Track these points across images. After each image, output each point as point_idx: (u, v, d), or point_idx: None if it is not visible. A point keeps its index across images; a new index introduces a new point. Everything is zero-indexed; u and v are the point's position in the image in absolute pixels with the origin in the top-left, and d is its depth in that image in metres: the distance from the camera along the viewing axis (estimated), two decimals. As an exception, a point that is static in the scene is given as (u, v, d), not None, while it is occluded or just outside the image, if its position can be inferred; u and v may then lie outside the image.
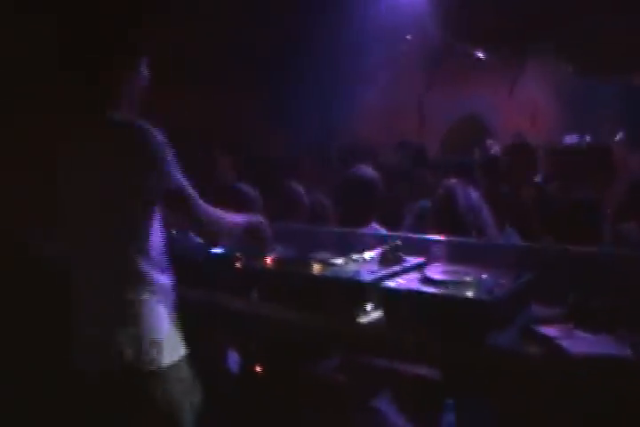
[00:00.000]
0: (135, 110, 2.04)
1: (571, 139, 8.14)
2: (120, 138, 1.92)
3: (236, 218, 2.35)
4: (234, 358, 3.03)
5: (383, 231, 3.46)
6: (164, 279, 2.02)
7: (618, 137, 8.17)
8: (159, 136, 1.92)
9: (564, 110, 9.81)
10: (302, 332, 2.40)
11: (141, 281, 1.95)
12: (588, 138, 8.56)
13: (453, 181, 3.54)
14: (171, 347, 1.96)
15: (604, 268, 2.29)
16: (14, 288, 2.65)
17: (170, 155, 1.95)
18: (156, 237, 2.02)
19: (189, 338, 2.09)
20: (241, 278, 2.58)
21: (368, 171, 3.76)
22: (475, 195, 3.32)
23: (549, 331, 1.95)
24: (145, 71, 2.08)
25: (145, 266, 1.96)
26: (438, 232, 2.98)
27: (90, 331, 1.99)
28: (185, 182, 2.01)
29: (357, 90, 7.57)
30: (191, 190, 2.03)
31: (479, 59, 6.72)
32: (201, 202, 2.08)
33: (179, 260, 2.79)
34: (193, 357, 2.08)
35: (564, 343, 1.84)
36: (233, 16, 6.14)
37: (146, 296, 1.95)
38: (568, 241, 2.63)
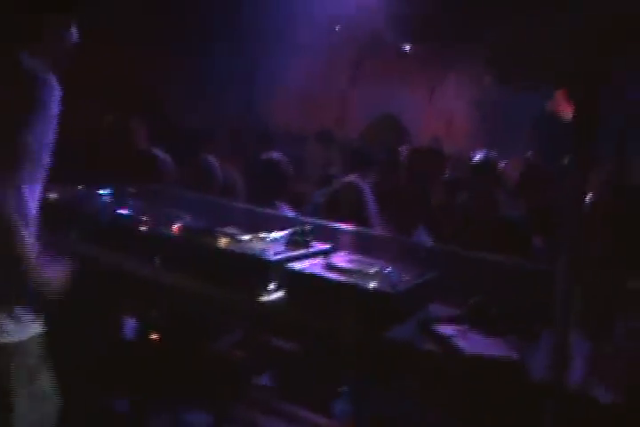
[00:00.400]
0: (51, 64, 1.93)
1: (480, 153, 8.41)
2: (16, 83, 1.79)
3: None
4: (132, 325, 2.94)
5: (293, 214, 3.47)
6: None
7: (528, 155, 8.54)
8: (55, 98, 1.80)
9: (480, 122, 10.14)
10: (203, 304, 2.36)
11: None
12: (493, 154, 8.85)
13: (354, 176, 3.64)
14: (23, 322, 1.85)
15: (506, 276, 2.36)
16: None
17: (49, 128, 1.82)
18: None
19: (85, 299, 2.01)
20: (145, 243, 2.50)
21: (280, 157, 3.86)
22: (369, 191, 3.43)
23: (446, 330, 1.99)
24: (74, 30, 2.01)
25: None
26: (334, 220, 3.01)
27: None
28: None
29: (282, 72, 7.52)
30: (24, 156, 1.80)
31: (405, 53, 6.81)
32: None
33: (83, 218, 2.70)
34: (88, 320, 2.00)
35: (460, 343, 1.88)
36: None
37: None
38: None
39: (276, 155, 3.92)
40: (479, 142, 9.60)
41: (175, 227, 2.51)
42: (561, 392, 1.49)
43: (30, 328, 1.87)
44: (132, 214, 2.68)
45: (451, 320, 2.10)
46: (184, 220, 2.66)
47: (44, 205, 2.73)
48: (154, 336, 2.80)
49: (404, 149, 8.11)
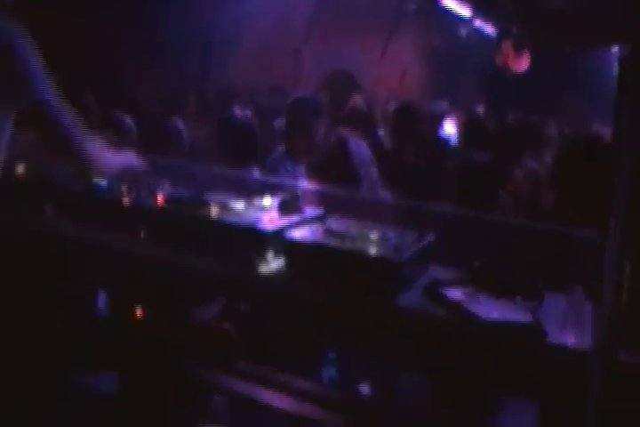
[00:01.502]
0: None
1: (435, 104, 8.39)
2: None
3: (113, 158, 2.18)
4: (104, 300, 2.84)
5: (268, 177, 3.36)
6: None
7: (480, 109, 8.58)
8: (24, 39, 1.73)
9: (431, 76, 10.09)
10: (189, 276, 2.27)
11: None
12: (445, 105, 8.85)
13: (345, 131, 3.50)
14: None
15: (502, 235, 2.34)
16: None
17: (35, 61, 1.74)
18: None
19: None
20: (128, 216, 2.38)
21: (244, 114, 3.66)
22: (365, 148, 3.30)
23: (454, 294, 1.95)
24: None
25: None
26: (329, 183, 2.93)
27: None
28: (54, 98, 1.79)
29: (235, 33, 7.31)
30: (60, 110, 1.81)
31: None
32: (75, 130, 1.87)
33: (60, 190, 2.55)
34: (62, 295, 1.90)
35: (472, 307, 1.85)
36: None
37: None
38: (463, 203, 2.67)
39: (238, 112, 3.75)
40: (432, 96, 9.59)
41: (159, 197, 2.39)
42: (612, 364, 1.46)
43: None
44: (110, 185, 2.54)
45: (455, 284, 2.06)
46: (165, 188, 2.54)
47: (14, 180, 2.60)
48: (137, 311, 2.71)
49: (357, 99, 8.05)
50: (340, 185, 2.91)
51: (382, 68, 9.60)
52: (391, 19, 9.21)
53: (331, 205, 2.63)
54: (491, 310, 1.86)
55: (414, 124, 4.71)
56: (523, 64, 9.30)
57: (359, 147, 3.25)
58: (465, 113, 7.67)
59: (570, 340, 1.71)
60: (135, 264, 2.37)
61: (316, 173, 3.22)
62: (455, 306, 1.89)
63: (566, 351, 1.69)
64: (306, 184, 2.86)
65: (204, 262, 2.17)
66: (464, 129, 5.44)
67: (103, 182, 2.56)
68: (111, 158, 2.19)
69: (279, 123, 4.42)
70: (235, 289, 2.21)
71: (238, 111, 3.77)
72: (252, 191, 2.60)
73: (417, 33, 9.45)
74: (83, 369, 2.85)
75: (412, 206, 2.66)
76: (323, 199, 2.69)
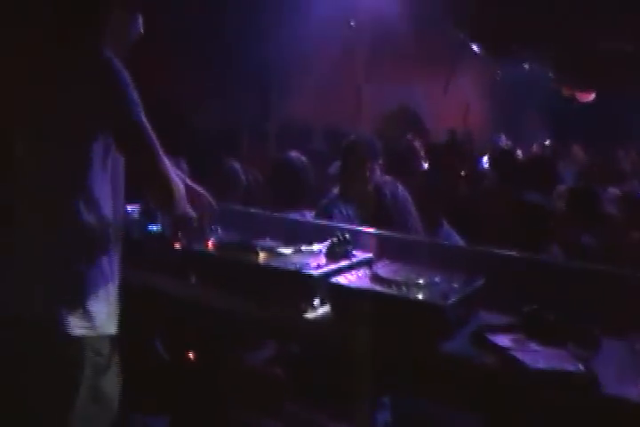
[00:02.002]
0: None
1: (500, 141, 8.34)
2: (83, 65, 1.75)
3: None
4: (163, 343, 2.88)
5: (322, 221, 3.38)
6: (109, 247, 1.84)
7: (547, 143, 8.46)
8: (123, 70, 1.77)
9: (494, 111, 10.03)
10: (241, 321, 2.29)
11: (82, 243, 1.77)
12: (508, 142, 8.78)
13: (386, 178, 3.50)
14: (99, 317, 1.78)
15: (555, 279, 2.27)
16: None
17: (132, 89, 1.78)
18: (106, 191, 1.82)
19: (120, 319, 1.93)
20: (180, 261, 2.43)
21: (298, 158, 3.69)
22: (402, 190, 3.29)
23: (502, 340, 1.90)
24: (139, 23, 1.96)
25: (88, 224, 1.77)
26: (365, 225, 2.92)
27: (20, 278, 1.79)
28: (145, 121, 1.80)
29: (296, 70, 7.44)
30: (151, 132, 1.81)
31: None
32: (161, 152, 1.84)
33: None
34: (121, 339, 1.92)
35: (520, 355, 1.79)
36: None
37: (85, 261, 1.77)
38: (513, 243, 2.62)
39: (293, 154, 3.77)
40: (496, 131, 9.51)
41: (209, 242, 2.43)
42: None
43: (104, 325, 1.81)
44: (164, 231, 2.60)
45: (505, 330, 2.01)
46: (216, 233, 2.59)
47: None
48: (189, 355, 2.74)
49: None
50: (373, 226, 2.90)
51: (444, 104, 9.60)
52: (452, 54, 9.22)
53: (383, 248, 2.63)
54: (539, 358, 1.80)
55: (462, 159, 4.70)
56: (590, 93, 9.12)
57: (395, 191, 3.26)
58: (491, 145, 7.58)
59: (628, 391, 1.63)
60: (186, 309, 2.41)
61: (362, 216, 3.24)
62: (502, 353, 1.84)
63: (623, 404, 1.61)
64: (357, 227, 2.85)
65: (251, 307, 2.19)
66: (493, 162, 5.38)
67: (156, 226, 2.62)
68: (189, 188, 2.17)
69: (334, 167, 4.45)
70: (280, 333, 2.22)
71: (293, 154, 3.79)
72: (303, 235, 2.62)
73: (478, 68, 9.43)
74: (137, 411, 2.89)
75: (463, 248, 2.62)
76: (374, 243, 2.68)
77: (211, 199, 2.33)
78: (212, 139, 5.37)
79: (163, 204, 1.98)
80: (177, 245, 2.46)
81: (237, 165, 4.18)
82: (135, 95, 1.78)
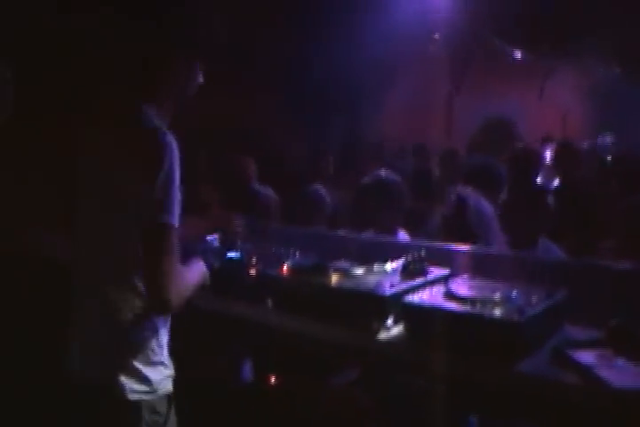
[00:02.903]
0: (170, 114, 1.89)
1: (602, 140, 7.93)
2: (138, 143, 1.74)
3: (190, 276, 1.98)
4: (248, 368, 2.91)
5: (406, 239, 3.32)
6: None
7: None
8: (176, 153, 1.72)
9: (593, 114, 9.59)
10: (318, 344, 2.27)
11: (139, 306, 1.78)
12: (610, 139, 8.34)
13: (468, 189, 3.38)
14: (155, 380, 1.81)
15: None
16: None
17: (176, 181, 1.72)
18: None
19: (203, 347, 1.97)
20: (256, 286, 2.45)
21: (390, 175, 3.60)
22: (487, 206, 3.14)
23: (586, 357, 1.79)
24: (197, 76, 1.93)
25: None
26: (447, 241, 2.83)
27: (81, 348, 1.87)
28: (175, 221, 1.71)
29: (384, 90, 7.42)
30: (175, 238, 1.72)
31: (512, 58, 6.53)
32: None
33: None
34: (207, 365, 1.95)
35: (604, 373, 1.68)
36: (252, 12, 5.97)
37: (142, 324, 1.80)
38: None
39: (383, 172, 3.64)
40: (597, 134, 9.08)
41: (284, 267, 2.44)
42: None
43: (161, 386, 1.83)
44: (243, 258, 2.63)
45: (590, 345, 1.89)
46: (292, 257, 2.59)
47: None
48: (271, 379, 2.74)
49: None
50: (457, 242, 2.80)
51: (541, 111, 9.30)
52: (545, 60, 8.93)
53: (462, 263, 2.56)
54: (626, 376, 1.68)
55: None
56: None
57: (479, 204, 3.13)
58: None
59: None
60: (265, 333, 2.42)
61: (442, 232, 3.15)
62: (585, 371, 1.72)
63: None
64: (435, 243, 2.78)
65: (325, 329, 2.17)
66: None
67: (234, 253, 2.66)
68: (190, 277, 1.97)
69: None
70: (355, 355, 2.18)
71: (383, 173, 3.70)
72: (381, 254, 2.58)
73: (573, 71, 9.08)
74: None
75: (547, 260, 2.50)
76: (454, 258, 2.61)
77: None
78: (300, 166, 5.42)
79: (159, 308, 1.81)
80: (252, 271, 2.48)
81: (322, 189, 4.19)
82: (175, 184, 1.71)
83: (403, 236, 3.39)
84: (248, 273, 2.50)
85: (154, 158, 1.69)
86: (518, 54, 6.35)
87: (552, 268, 2.40)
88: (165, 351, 1.87)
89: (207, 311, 2.50)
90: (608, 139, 7.98)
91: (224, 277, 2.59)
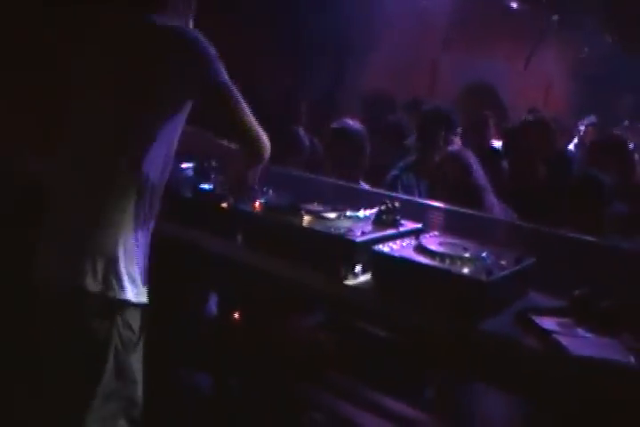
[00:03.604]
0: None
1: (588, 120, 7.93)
2: (156, 36, 1.84)
3: None
4: (214, 302, 2.89)
5: (375, 189, 3.29)
6: (148, 214, 1.86)
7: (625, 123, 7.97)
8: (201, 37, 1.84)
9: (578, 91, 9.56)
10: (285, 283, 2.25)
11: (124, 205, 1.79)
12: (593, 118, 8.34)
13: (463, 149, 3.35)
14: (134, 289, 1.79)
15: (617, 263, 2.13)
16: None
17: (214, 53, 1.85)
18: (160, 155, 1.86)
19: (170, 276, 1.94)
20: (226, 220, 2.40)
21: (355, 124, 3.58)
22: (481, 171, 3.13)
23: (548, 323, 1.80)
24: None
25: (132, 188, 1.79)
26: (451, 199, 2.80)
27: (54, 250, 1.83)
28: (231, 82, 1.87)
29: (371, 43, 7.28)
30: (237, 91, 1.89)
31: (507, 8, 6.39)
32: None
33: (167, 193, 2.62)
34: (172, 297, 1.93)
35: (564, 340, 1.69)
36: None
37: (125, 226, 1.77)
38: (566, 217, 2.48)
39: (350, 121, 3.61)
40: (579, 111, 9.08)
41: (256, 203, 2.39)
42: None
43: (140, 295, 1.82)
44: (214, 190, 2.58)
45: (553, 313, 1.90)
46: (266, 196, 2.55)
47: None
48: (234, 314, 2.73)
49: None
50: (462, 199, 2.78)
51: (524, 81, 9.23)
52: (535, 28, 8.83)
53: (434, 220, 2.55)
54: (586, 345, 1.69)
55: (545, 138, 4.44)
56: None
57: (475, 160, 3.11)
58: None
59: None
60: (232, 268, 2.40)
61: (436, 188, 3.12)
62: (546, 337, 1.74)
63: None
64: (410, 197, 2.76)
65: (293, 270, 2.15)
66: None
67: (208, 185, 2.61)
68: None
69: (411, 140, 4.32)
70: (320, 298, 2.18)
71: (350, 122, 3.66)
72: (354, 202, 2.55)
73: (563, 44, 8.99)
74: (183, 366, 2.91)
75: (519, 226, 2.50)
76: (426, 214, 2.60)
77: None
78: (280, 108, 5.32)
79: (257, 154, 2.02)
80: (225, 205, 2.43)
81: (301, 132, 4.12)
82: (219, 63, 1.86)
83: (364, 186, 3.36)
84: (220, 206, 2.44)
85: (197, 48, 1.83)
86: (514, 4, 6.23)
87: (523, 235, 2.40)
88: (143, 266, 1.85)
89: (175, 241, 2.46)
90: (593, 118, 7.97)
91: (195, 208, 2.55)
